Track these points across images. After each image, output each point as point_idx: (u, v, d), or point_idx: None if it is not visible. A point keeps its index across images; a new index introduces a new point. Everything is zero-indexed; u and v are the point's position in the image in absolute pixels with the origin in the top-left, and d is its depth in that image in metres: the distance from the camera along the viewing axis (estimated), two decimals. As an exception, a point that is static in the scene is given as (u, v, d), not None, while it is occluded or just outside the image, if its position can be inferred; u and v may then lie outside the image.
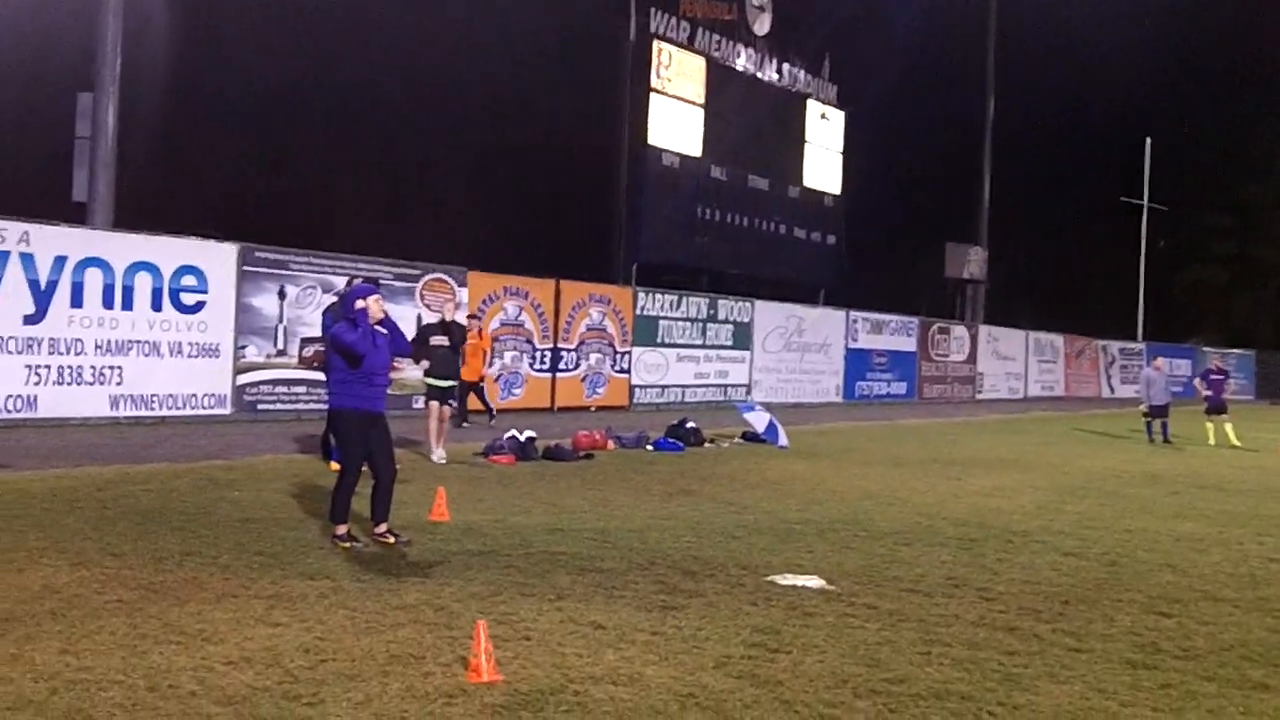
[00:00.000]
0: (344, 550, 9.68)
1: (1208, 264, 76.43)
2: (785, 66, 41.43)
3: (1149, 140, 60.16)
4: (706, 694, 6.36)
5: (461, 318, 21.67)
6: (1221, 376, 28.68)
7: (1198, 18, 68.45)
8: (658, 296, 31.37)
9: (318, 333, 18.31)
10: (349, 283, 16.00)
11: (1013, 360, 48.82)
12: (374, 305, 10.08)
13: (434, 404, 16.65)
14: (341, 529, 9.94)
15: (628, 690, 6.36)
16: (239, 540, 9.90)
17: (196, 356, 20.58)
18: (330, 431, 10.62)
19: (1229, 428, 27.27)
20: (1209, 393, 28.14)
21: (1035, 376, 50.40)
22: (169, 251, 20.36)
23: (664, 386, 31.32)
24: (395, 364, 10.61)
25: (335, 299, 16.13)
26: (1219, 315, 74.52)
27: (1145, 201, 61.25)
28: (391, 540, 10.02)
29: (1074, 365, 53.18)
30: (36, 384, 18.40)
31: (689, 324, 32.18)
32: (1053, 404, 47.39)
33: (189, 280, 20.53)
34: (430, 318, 20.53)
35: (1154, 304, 63.46)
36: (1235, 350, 62.99)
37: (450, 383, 16.79)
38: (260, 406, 21.52)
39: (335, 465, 14.75)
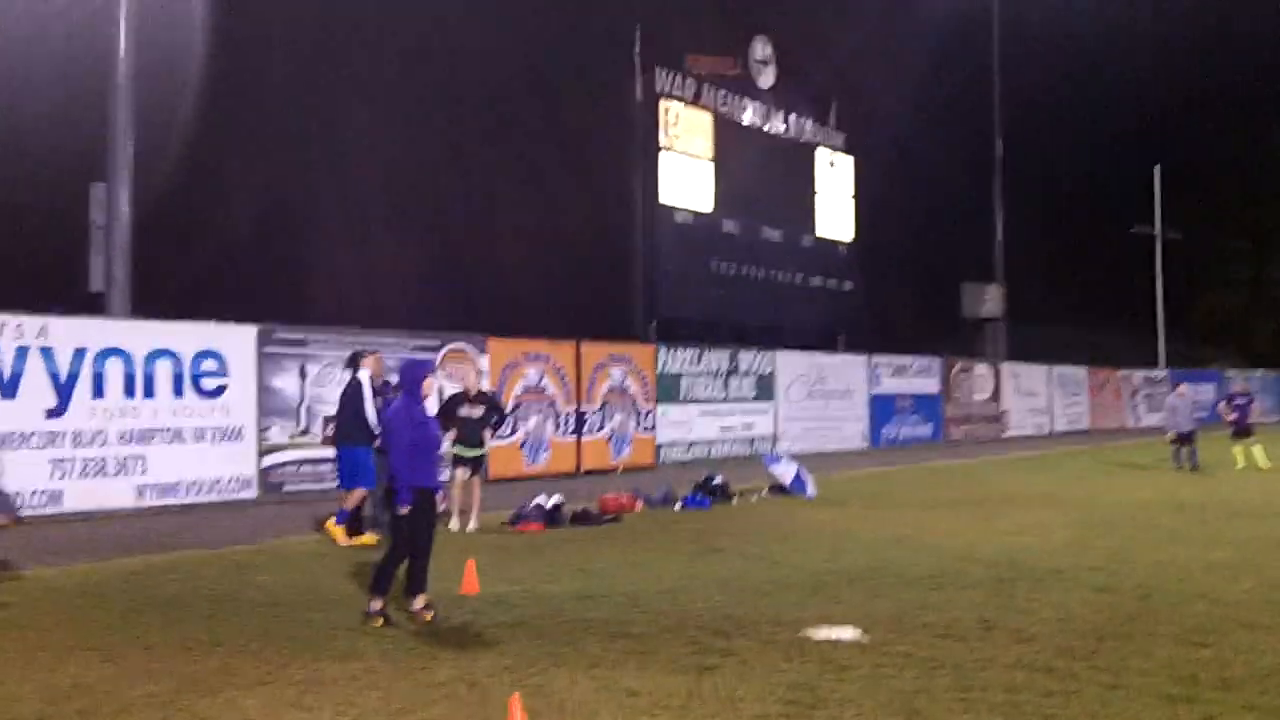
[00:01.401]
0: (377, 627, 9.68)
1: (1226, 288, 76.39)
2: (792, 117, 41.60)
3: (1158, 169, 60.11)
4: (743, 756, 6.33)
5: (485, 385, 21.80)
6: (1246, 399, 28.59)
7: (1203, 44, 68.63)
8: (679, 352, 31.34)
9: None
10: (353, 356, 16.11)
11: (1037, 396, 48.62)
12: (427, 384, 10.21)
13: (460, 472, 16.76)
14: (379, 604, 9.92)
15: (663, 757, 6.33)
16: (267, 625, 9.88)
17: (220, 441, 20.61)
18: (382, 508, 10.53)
19: (1256, 450, 27.20)
20: (1234, 416, 28.06)
21: (1060, 410, 50.17)
22: (188, 337, 20.39)
23: (690, 442, 31.25)
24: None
25: (356, 376, 16.15)
26: (1240, 338, 74.32)
27: (1158, 229, 61.14)
28: (430, 616, 9.99)
29: (1098, 397, 52.94)
30: (60, 478, 18.41)
31: (711, 378, 32.15)
32: (1079, 437, 47.19)
33: (209, 364, 20.57)
34: (451, 388, 20.53)
35: (1174, 330, 63.25)
36: (1259, 372, 62.68)
37: (478, 451, 16.91)
38: (286, 487, 21.52)
39: (368, 539, 14.87)
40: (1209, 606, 10.25)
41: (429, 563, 10.28)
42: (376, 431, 14.94)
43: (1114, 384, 54.30)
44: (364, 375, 15.61)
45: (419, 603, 10.11)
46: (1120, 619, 9.75)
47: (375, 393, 15.66)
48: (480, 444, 17.01)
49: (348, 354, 17.76)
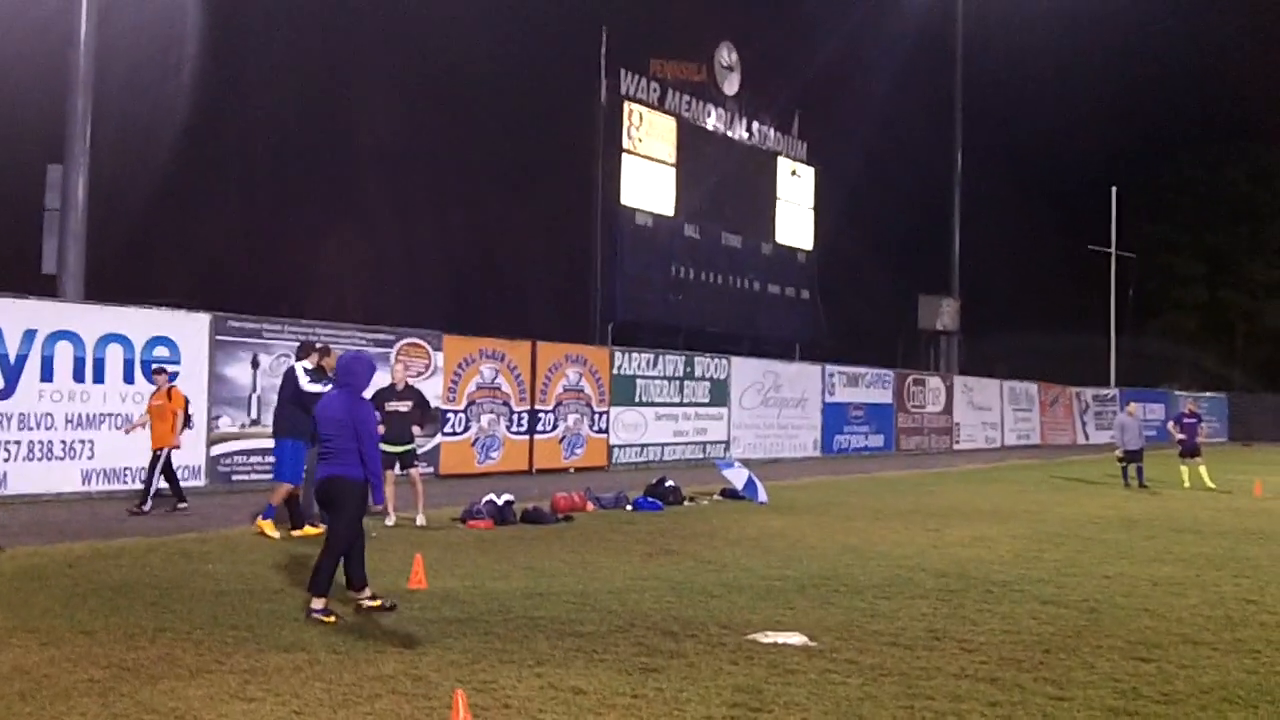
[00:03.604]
0: (328, 624, 9.57)
1: (1179, 309, 77.06)
2: (755, 125, 41.72)
3: (1115, 190, 60.50)
4: (688, 757, 6.31)
5: (423, 383, 21.69)
6: (1195, 420, 28.82)
7: (1163, 68, 69.24)
8: (634, 355, 31.35)
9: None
10: (305, 347, 15.90)
11: (989, 410, 48.90)
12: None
13: (389, 471, 16.51)
14: (321, 603, 9.79)
15: (608, 755, 6.30)
16: (213, 614, 9.79)
17: (170, 428, 20.42)
18: (334, 501, 10.37)
19: (1203, 470, 27.39)
20: (1183, 436, 28.27)
21: (1011, 425, 50.47)
22: (140, 322, 20.25)
23: (643, 445, 31.24)
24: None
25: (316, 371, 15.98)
26: (1191, 360, 74.95)
27: (1113, 249, 61.57)
28: (378, 603, 9.96)
29: (1049, 413, 53.31)
30: (6, 460, 18.24)
31: (666, 382, 32.16)
32: (1029, 452, 47.46)
33: (161, 351, 20.42)
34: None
35: (1126, 350, 63.72)
36: (1207, 394, 63.26)
37: (406, 447, 16.71)
38: (235, 477, 21.38)
39: (311, 530, 14.69)
40: (1154, 621, 10.31)
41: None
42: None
43: (1065, 400, 54.69)
44: (300, 367, 15.41)
45: (366, 593, 10.07)
46: (1066, 632, 9.79)
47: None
48: (408, 440, 16.83)
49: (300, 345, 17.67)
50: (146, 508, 17.48)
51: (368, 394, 10.70)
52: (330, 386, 15.44)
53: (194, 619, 9.58)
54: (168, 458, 17.86)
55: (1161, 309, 76.38)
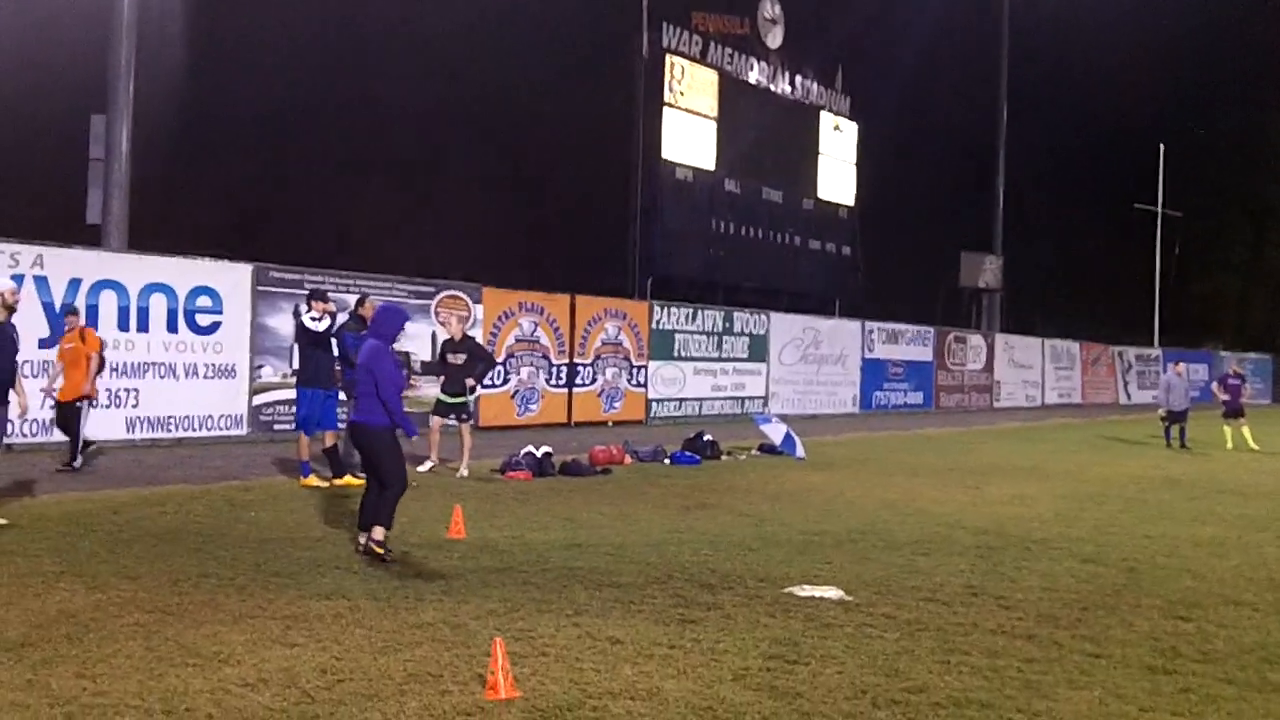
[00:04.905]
0: (379, 555, 9.97)
1: (1224, 268, 76.25)
2: (798, 79, 41.43)
3: (1162, 146, 59.88)
4: (725, 707, 6.33)
5: (477, 333, 21.81)
6: (1239, 381, 28.62)
7: (1210, 22, 68.26)
8: (673, 310, 31.33)
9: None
10: (311, 295, 15.85)
11: (1030, 368, 48.68)
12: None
13: (437, 419, 17.22)
14: (381, 533, 10.16)
15: (645, 705, 6.33)
16: (256, 561, 9.88)
17: (212, 377, 20.60)
18: (362, 448, 10.65)
19: (1246, 432, 27.24)
20: (1227, 397, 28.10)
21: (1052, 384, 50.24)
22: (183, 272, 20.38)
23: (681, 400, 31.27)
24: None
25: (348, 319, 16.03)
26: (1235, 319, 74.28)
27: (1160, 208, 61.04)
28: (381, 550, 10.09)
29: (1091, 372, 53.01)
30: (52, 407, 18.38)
31: (705, 337, 32.14)
32: (1070, 411, 47.23)
33: (204, 301, 20.55)
34: (443, 335, 20.57)
35: (1170, 309, 63.22)
36: (1252, 354, 62.72)
37: (460, 399, 17.04)
38: (277, 426, 21.51)
39: (351, 480, 14.76)
40: (1194, 581, 10.27)
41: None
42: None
43: (1107, 359, 54.37)
44: (308, 319, 15.32)
45: (379, 534, 10.17)
46: (1105, 590, 9.77)
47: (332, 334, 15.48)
48: (461, 392, 17.10)
49: (341, 296, 17.66)
50: (77, 463, 16.16)
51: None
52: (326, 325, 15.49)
53: (237, 565, 9.68)
54: (77, 407, 16.17)
55: (1206, 266, 75.59)
